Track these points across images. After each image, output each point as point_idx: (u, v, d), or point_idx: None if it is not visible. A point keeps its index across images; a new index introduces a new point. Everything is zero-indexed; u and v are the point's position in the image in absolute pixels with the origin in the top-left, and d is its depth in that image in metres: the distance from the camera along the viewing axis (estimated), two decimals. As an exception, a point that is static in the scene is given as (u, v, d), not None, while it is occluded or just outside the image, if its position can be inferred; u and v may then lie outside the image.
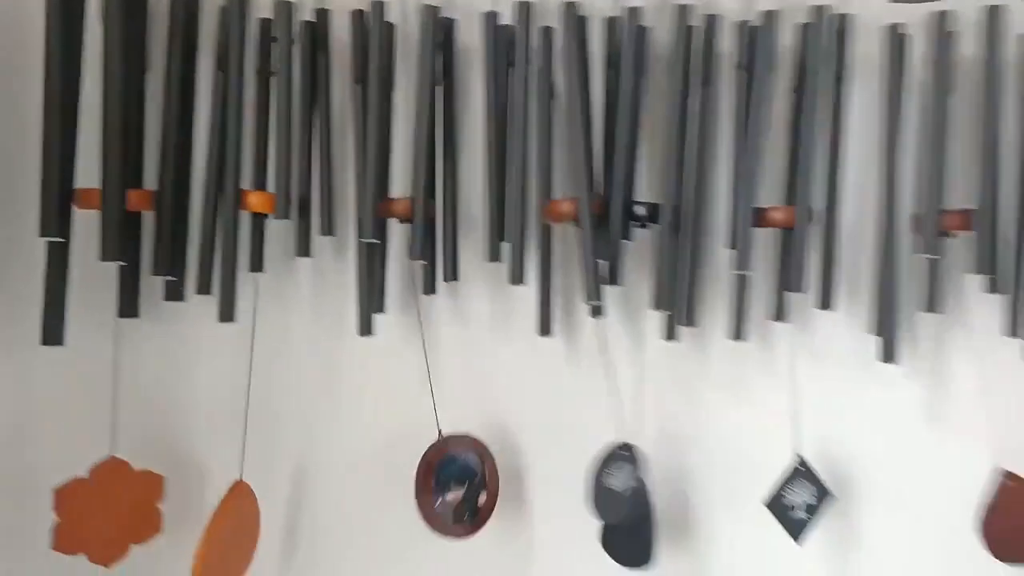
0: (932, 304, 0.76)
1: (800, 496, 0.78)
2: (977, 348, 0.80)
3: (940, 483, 0.81)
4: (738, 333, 0.77)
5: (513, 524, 0.86)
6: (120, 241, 0.74)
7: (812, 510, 0.78)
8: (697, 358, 0.84)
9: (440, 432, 0.82)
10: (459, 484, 0.81)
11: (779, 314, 0.78)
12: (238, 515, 0.82)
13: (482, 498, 0.81)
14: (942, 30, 0.73)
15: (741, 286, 0.77)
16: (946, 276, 0.77)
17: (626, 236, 0.78)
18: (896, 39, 0.75)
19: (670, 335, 0.78)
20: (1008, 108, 0.74)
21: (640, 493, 0.78)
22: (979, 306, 0.79)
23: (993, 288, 0.74)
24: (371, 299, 0.79)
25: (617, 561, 0.80)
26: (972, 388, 0.81)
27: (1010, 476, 0.77)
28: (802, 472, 0.79)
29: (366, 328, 0.79)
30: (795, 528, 0.78)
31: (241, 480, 0.82)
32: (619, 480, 0.79)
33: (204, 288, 0.77)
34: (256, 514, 0.83)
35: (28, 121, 0.77)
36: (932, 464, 0.81)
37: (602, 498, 0.80)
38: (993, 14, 0.73)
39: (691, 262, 0.76)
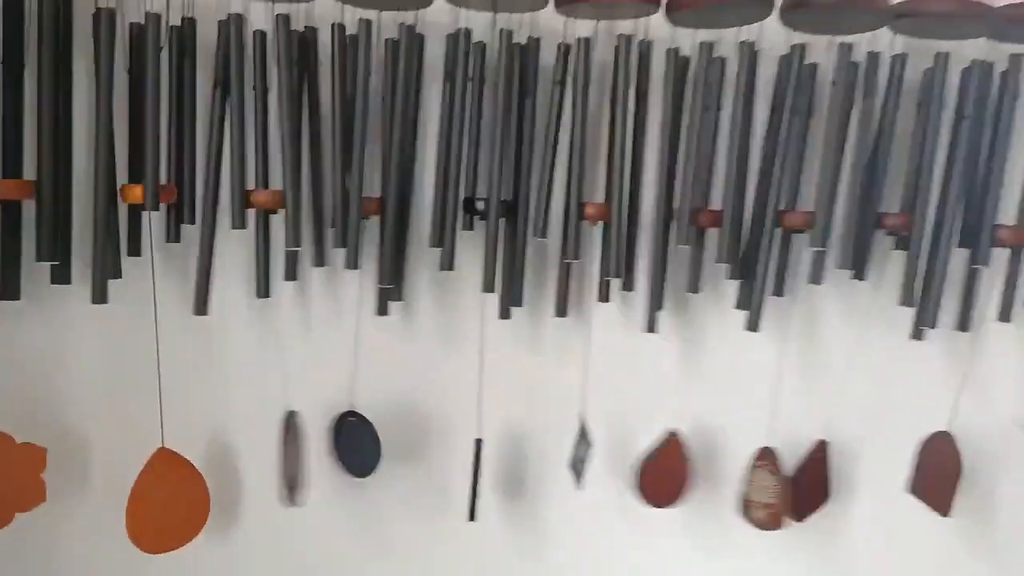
0: (693, 286, 0.93)
1: (581, 451, 0.96)
2: (727, 323, 1.00)
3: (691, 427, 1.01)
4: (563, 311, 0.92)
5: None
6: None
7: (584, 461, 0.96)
8: (529, 335, 0.99)
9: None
10: None
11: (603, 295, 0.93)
12: (162, 481, 0.89)
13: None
14: (709, 56, 0.89)
15: (565, 272, 0.91)
16: (704, 264, 0.94)
17: (468, 227, 0.90)
18: (678, 62, 0.90)
19: (503, 314, 0.91)
20: (758, 124, 0.92)
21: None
22: (730, 288, 0.97)
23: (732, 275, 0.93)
24: (205, 281, 0.87)
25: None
26: (722, 352, 1.02)
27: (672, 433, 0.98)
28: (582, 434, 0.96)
29: (201, 308, 0.87)
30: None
31: (163, 447, 0.89)
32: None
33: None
34: (194, 476, 0.90)
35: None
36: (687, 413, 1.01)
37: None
38: (743, 48, 0.89)
39: (521, 250, 0.90)
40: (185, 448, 0.90)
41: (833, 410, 1.04)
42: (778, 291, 0.96)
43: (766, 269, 0.92)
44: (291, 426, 0.92)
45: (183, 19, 0.85)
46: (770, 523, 0.98)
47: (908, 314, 0.94)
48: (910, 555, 1.08)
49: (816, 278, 0.93)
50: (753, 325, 0.93)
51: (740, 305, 0.94)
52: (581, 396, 0.98)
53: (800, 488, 1.01)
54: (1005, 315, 0.96)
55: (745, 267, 0.92)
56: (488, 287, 0.89)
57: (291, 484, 0.92)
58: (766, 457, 0.98)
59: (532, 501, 1.03)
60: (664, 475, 0.98)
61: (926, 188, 0.91)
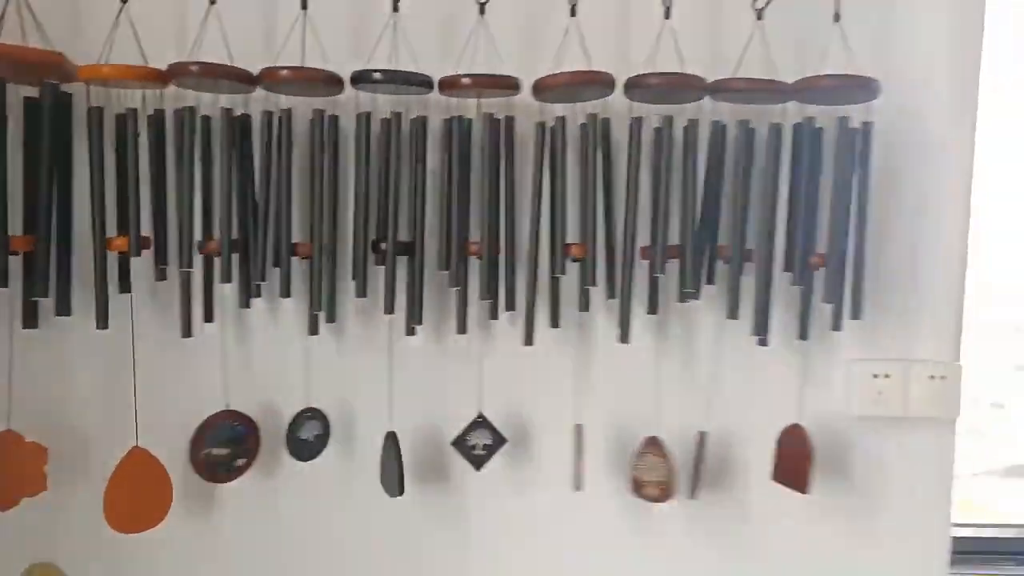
0: (582, 305, 1.14)
1: (480, 439, 1.15)
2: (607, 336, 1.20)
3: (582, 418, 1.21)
4: (464, 327, 1.14)
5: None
6: (4, 272, 1.03)
7: (488, 448, 1.15)
8: (430, 345, 1.22)
9: (227, 405, 1.17)
10: (225, 445, 1.16)
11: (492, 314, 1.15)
12: (135, 475, 1.13)
13: (240, 460, 1.16)
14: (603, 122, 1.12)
15: (461, 299, 1.13)
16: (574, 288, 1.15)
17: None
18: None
19: (408, 331, 1.13)
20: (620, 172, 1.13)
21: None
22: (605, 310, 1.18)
23: (610, 295, 1.14)
24: (189, 308, 1.11)
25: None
26: (603, 361, 1.22)
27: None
28: (480, 422, 1.15)
29: (186, 331, 1.12)
30: (476, 461, 1.16)
31: (137, 446, 1.14)
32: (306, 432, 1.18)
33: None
34: (161, 473, 1.15)
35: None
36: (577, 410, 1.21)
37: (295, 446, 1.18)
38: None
39: (419, 282, 1.12)
40: (159, 445, 1.14)
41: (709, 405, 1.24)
42: (652, 309, 1.17)
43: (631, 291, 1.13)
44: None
45: (154, 111, 1.10)
46: (661, 497, 1.17)
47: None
48: (783, 524, 1.27)
49: (682, 299, 1.14)
50: (624, 337, 1.14)
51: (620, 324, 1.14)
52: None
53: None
54: (836, 325, 1.15)
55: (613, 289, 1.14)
56: (388, 310, 1.12)
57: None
58: (652, 444, 1.18)
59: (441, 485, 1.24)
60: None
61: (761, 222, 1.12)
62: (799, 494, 1.18)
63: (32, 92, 1.07)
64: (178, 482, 1.17)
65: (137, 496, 1.13)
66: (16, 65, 1.02)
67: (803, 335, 1.16)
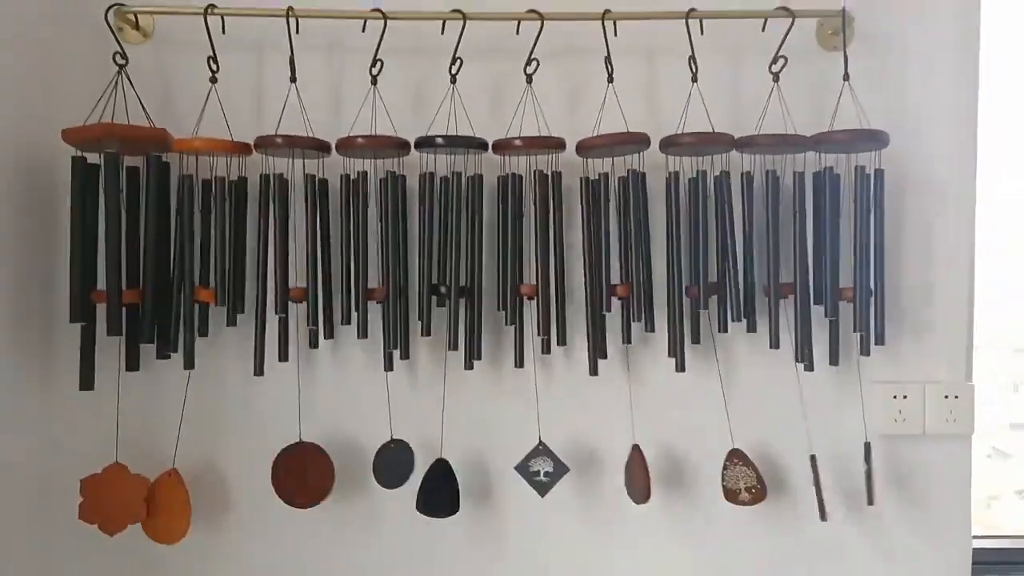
0: (625, 338, 1.27)
1: (542, 466, 1.27)
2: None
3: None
4: (521, 362, 1.27)
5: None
6: (118, 322, 1.17)
7: (550, 476, 1.27)
8: (489, 378, 1.34)
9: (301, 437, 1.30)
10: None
11: (545, 349, 1.27)
12: (169, 492, 1.26)
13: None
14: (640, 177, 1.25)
15: (519, 333, 1.26)
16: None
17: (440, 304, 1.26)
18: (588, 186, 1.25)
19: (467, 366, 1.26)
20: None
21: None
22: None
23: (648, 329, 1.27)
24: (263, 348, 1.23)
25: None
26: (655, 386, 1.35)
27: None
28: (542, 450, 1.27)
29: (259, 369, 1.23)
30: (540, 487, 1.27)
31: (173, 469, 1.27)
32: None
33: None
34: (184, 492, 1.26)
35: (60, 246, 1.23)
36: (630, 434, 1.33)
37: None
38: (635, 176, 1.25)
39: (478, 321, 1.25)
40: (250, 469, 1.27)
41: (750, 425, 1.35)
42: (696, 339, 1.29)
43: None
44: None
45: (238, 177, 1.24)
46: (754, 500, 1.28)
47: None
48: (814, 535, 1.37)
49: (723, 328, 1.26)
50: (680, 366, 1.26)
51: (671, 352, 1.27)
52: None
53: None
54: (865, 350, 1.26)
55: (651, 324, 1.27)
56: (451, 347, 1.24)
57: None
58: (736, 456, 1.30)
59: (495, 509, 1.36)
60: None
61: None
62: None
63: (133, 161, 1.21)
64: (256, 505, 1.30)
65: (168, 511, 1.26)
66: (125, 141, 1.16)
67: (834, 361, 1.28)
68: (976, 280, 1.38)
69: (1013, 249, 1.67)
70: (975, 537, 1.41)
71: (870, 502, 1.29)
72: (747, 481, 1.29)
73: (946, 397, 1.36)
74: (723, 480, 1.30)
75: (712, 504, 1.33)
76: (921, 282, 1.36)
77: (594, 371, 1.25)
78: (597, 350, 1.25)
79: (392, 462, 1.29)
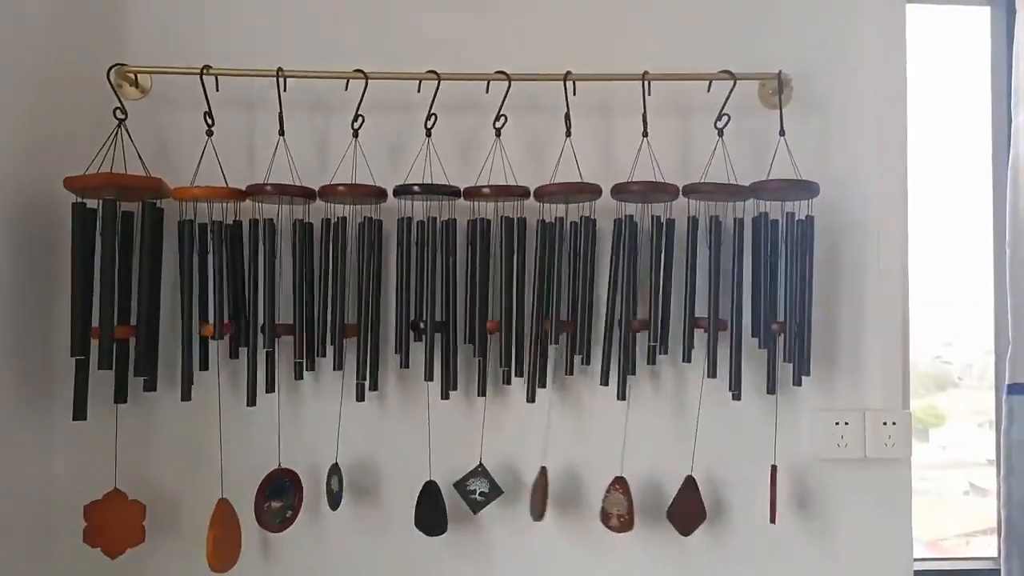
0: (568, 370, 1.40)
1: (478, 486, 1.38)
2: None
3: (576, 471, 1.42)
4: (484, 391, 1.38)
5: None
6: (109, 356, 1.26)
7: (485, 495, 1.38)
8: (465, 411, 1.44)
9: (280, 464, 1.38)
10: (278, 499, 1.37)
11: (505, 380, 1.37)
12: (226, 520, 1.34)
13: (289, 512, 1.37)
14: (591, 222, 1.37)
15: (481, 365, 1.37)
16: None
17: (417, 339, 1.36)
18: (588, 226, 1.37)
19: (443, 395, 1.36)
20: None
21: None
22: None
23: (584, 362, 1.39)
24: (255, 381, 1.33)
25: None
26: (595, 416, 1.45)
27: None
28: (480, 471, 1.39)
29: (252, 400, 1.33)
30: (473, 505, 1.38)
31: (223, 498, 1.35)
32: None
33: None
34: (237, 520, 1.35)
35: (59, 286, 1.32)
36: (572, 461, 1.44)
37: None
38: (585, 222, 1.37)
39: (453, 354, 1.35)
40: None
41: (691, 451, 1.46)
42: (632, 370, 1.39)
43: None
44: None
45: (233, 221, 1.35)
46: (621, 528, 1.38)
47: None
48: (761, 558, 1.47)
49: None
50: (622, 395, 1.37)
51: (602, 380, 1.38)
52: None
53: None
54: (796, 380, 1.38)
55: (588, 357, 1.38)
56: (427, 377, 1.35)
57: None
58: (618, 483, 1.40)
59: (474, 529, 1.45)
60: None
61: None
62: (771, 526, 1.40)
63: (127, 207, 1.32)
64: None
65: (225, 539, 1.34)
66: (122, 189, 1.26)
67: (770, 390, 1.40)
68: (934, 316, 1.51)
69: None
70: (917, 559, 1.51)
71: (772, 520, 1.40)
72: (619, 509, 1.39)
73: (884, 424, 1.48)
74: (603, 502, 1.40)
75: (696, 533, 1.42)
76: (857, 317, 1.49)
77: (531, 399, 1.36)
78: (536, 379, 1.36)
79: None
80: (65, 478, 1.38)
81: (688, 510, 1.40)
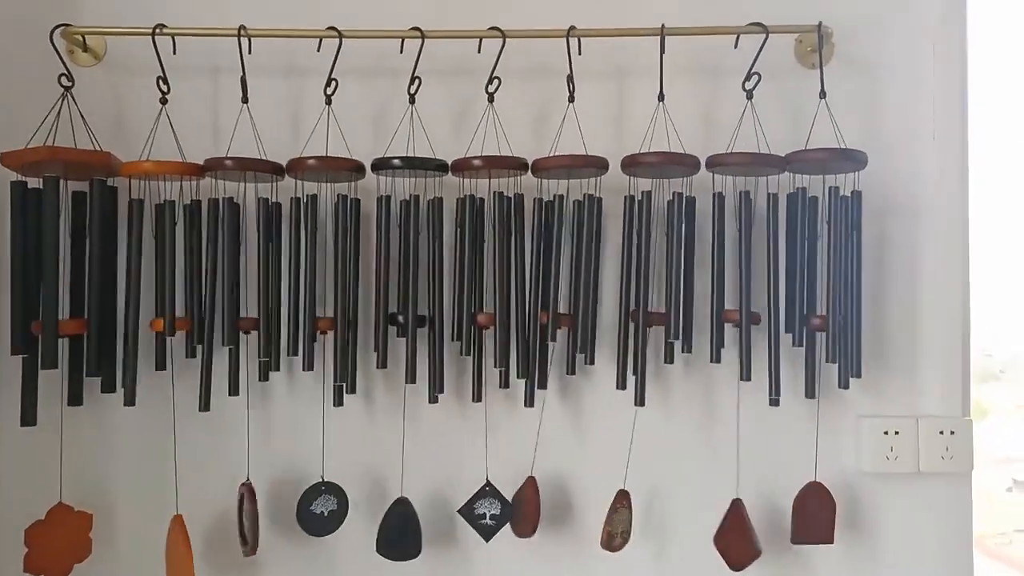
0: (569, 369, 1.21)
1: (488, 508, 1.19)
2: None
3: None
4: (479, 396, 1.20)
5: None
6: (54, 354, 1.11)
7: (496, 519, 1.19)
8: (452, 411, 1.27)
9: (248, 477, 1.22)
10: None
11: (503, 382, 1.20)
12: (177, 538, 1.19)
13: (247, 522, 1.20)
14: (597, 200, 1.18)
15: (475, 364, 1.20)
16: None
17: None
18: (542, 208, 1.19)
19: (431, 399, 1.19)
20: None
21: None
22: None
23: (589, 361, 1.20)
24: (209, 383, 1.17)
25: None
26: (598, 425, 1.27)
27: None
28: (489, 491, 1.20)
29: (205, 405, 1.17)
30: (485, 531, 1.20)
31: (61, 502, 1.19)
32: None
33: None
34: (186, 537, 1.19)
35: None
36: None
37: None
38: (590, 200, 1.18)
39: (439, 352, 1.18)
40: (193, 507, 1.20)
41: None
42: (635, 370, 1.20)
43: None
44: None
45: (192, 201, 1.19)
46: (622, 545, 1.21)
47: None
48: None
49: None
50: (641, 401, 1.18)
51: (619, 384, 1.19)
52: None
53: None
54: (843, 382, 1.19)
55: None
56: (409, 379, 1.17)
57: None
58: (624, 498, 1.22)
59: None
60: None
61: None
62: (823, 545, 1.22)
63: (79, 186, 1.17)
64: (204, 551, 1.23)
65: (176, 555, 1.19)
66: (69, 165, 1.12)
67: (810, 394, 1.20)
68: (974, 307, 1.31)
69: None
70: (980, 585, 1.32)
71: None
72: (623, 525, 1.21)
73: (941, 433, 1.28)
74: (606, 523, 1.21)
75: (698, 550, 1.25)
76: (909, 310, 1.29)
77: (529, 403, 1.19)
78: (535, 381, 1.19)
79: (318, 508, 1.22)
80: (10, 490, 1.24)
81: (738, 541, 1.21)
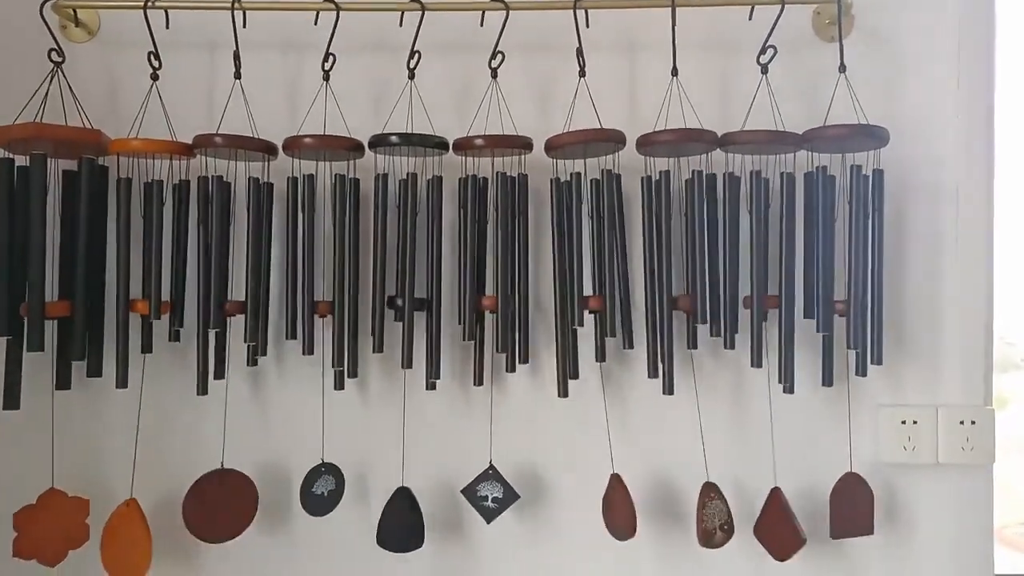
0: (599, 356, 1.16)
1: (490, 491, 1.15)
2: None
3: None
4: (480, 380, 1.16)
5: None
6: (40, 336, 1.08)
7: (499, 502, 1.15)
8: (447, 399, 1.23)
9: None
10: None
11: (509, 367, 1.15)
12: (130, 524, 1.16)
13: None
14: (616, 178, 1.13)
15: (477, 349, 1.16)
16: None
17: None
18: (560, 188, 1.15)
19: (428, 386, 1.15)
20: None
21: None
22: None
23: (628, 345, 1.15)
24: (206, 366, 1.14)
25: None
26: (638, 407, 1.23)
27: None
28: (492, 474, 1.16)
29: (203, 389, 1.14)
30: (486, 513, 1.16)
31: (132, 498, 1.16)
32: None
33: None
34: (144, 525, 1.16)
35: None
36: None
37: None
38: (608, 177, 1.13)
39: (436, 337, 1.14)
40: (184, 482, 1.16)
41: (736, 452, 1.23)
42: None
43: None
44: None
45: (180, 180, 1.15)
46: (726, 538, 1.15)
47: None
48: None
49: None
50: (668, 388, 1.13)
51: (651, 373, 1.14)
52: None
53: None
54: (862, 370, 1.14)
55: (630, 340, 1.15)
56: (405, 365, 1.13)
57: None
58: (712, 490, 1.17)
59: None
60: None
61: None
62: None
63: (69, 164, 1.13)
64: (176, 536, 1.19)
65: (129, 544, 1.16)
66: (57, 142, 1.08)
67: (827, 381, 1.16)
68: (996, 293, 1.25)
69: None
70: (999, 577, 1.27)
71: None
72: (720, 518, 1.16)
73: (961, 423, 1.23)
74: (699, 520, 1.16)
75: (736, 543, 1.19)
76: (930, 296, 1.23)
77: (563, 392, 1.14)
78: (567, 370, 1.14)
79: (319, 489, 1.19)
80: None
81: (782, 530, 1.16)
